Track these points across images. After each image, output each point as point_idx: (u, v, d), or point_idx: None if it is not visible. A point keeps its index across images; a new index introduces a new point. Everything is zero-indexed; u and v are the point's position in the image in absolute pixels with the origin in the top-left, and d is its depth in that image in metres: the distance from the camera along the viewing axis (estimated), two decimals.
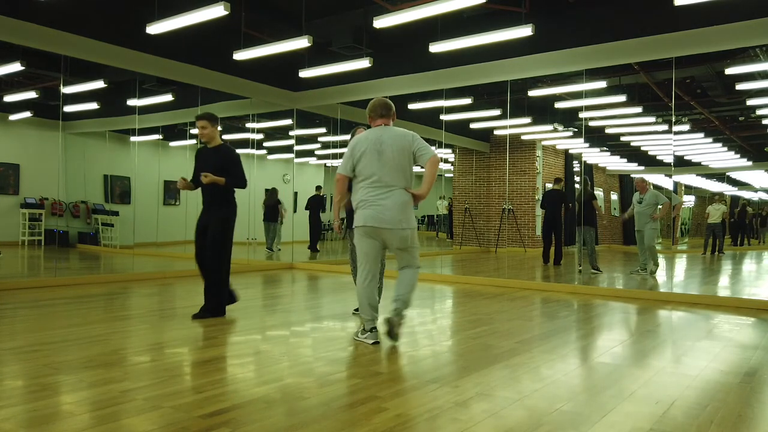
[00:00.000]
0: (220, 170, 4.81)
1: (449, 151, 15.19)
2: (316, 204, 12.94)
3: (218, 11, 5.80)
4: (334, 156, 14.45)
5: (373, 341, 3.96)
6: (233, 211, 4.95)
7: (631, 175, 17.44)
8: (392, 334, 3.87)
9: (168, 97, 9.74)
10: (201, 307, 4.89)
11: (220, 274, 4.89)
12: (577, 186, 10.42)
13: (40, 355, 3.51)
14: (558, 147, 15.25)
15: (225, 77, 8.74)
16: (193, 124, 5.37)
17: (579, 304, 6.18)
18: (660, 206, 8.80)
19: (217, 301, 4.89)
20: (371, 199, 3.84)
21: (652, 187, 9.23)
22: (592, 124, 11.78)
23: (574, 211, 10.03)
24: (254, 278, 8.23)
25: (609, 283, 8.44)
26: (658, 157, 15.64)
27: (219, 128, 5.00)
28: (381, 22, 6.07)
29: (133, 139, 11.41)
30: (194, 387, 2.92)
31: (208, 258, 4.83)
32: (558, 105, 10.41)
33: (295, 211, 12.10)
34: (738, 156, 14.67)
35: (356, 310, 5.26)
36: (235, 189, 4.98)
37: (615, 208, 17.33)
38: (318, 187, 13.51)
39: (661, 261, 8.99)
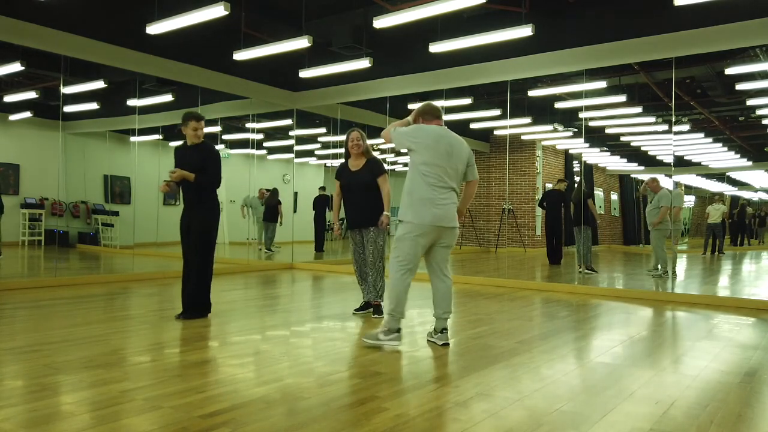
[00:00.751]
0: (200, 168, 4.79)
1: None
2: (321, 204, 12.95)
3: (218, 11, 5.80)
4: (334, 156, 14.45)
5: (399, 344, 3.87)
6: (216, 211, 4.94)
7: (631, 176, 17.46)
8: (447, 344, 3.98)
9: (168, 97, 9.74)
10: (185, 307, 4.88)
11: (207, 274, 4.88)
12: (576, 186, 10.43)
13: (40, 355, 3.51)
14: (558, 147, 15.26)
15: (225, 77, 8.74)
16: None
17: (579, 304, 6.18)
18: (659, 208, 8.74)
19: (204, 301, 4.89)
20: (437, 199, 3.79)
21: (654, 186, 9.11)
22: (592, 124, 11.78)
23: (571, 211, 10.02)
24: (254, 278, 8.23)
25: (609, 283, 8.44)
26: (658, 157, 15.64)
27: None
28: (381, 22, 6.07)
29: (133, 139, 11.41)
30: (194, 387, 2.92)
31: (192, 258, 4.82)
32: (558, 105, 10.41)
33: (295, 211, 12.10)
34: (738, 156, 14.66)
35: (356, 310, 5.26)
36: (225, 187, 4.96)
37: (615, 208, 17.34)
38: (322, 188, 13.51)
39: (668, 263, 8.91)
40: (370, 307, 5.22)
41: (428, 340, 4.09)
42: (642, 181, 17.69)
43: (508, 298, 6.52)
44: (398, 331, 3.85)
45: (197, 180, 4.77)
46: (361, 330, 4.57)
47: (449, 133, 3.94)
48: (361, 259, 5.22)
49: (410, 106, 10.37)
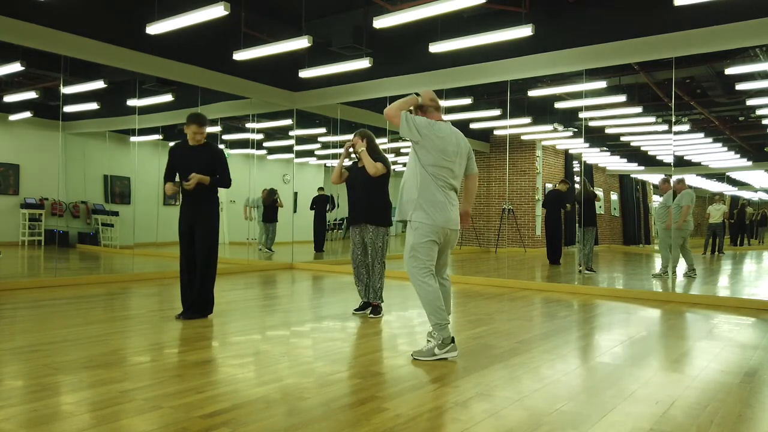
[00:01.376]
0: (209, 170, 4.79)
1: None
2: (321, 204, 12.96)
3: (218, 11, 5.80)
4: (334, 156, 14.44)
5: (456, 353, 3.63)
6: (218, 209, 4.95)
7: (631, 176, 17.45)
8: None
9: (168, 97, 9.74)
10: (185, 307, 4.88)
11: (211, 273, 4.88)
12: (577, 186, 10.42)
13: (40, 355, 3.51)
14: (558, 147, 15.26)
15: (225, 77, 8.74)
16: None
17: (579, 304, 6.18)
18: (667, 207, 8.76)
19: (208, 299, 4.89)
20: (447, 201, 3.67)
21: (664, 187, 9.10)
22: (592, 124, 11.78)
23: (574, 211, 10.02)
24: (254, 278, 8.23)
25: (609, 283, 8.44)
26: (658, 157, 15.64)
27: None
28: (381, 22, 6.07)
29: (133, 139, 11.41)
30: (194, 387, 2.92)
31: (199, 255, 4.82)
32: (558, 105, 10.40)
33: (295, 211, 12.10)
34: (738, 156, 14.67)
35: (356, 310, 5.25)
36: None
37: (615, 208, 17.35)
38: (321, 188, 13.52)
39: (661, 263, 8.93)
40: (369, 306, 5.22)
41: (428, 341, 4.08)
42: (641, 181, 17.78)
43: (508, 298, 6.52)
44: (452, 341, 3.62)
45: (213, 181, 4.77)
46: (360, 330, 4.57)
47: (453, 129, 3.84)
48: (358, 259, 5.22)
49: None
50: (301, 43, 6.65)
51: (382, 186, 5.10)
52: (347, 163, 5.36)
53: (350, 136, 5.22)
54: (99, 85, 8.86)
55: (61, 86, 8.17)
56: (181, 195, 4.94)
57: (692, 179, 16.77)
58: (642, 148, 15.02)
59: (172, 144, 5.05)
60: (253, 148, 11.46)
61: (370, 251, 5.12)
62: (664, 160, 15.50)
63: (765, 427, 2.53)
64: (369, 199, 5.10)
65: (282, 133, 12.82)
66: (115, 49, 7.34)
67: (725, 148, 14.21)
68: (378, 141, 5.22)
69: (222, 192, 5.05)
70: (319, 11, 7.55)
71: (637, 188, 17.90)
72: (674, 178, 9.08)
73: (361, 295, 5.30)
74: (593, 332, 4.73)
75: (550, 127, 12.80)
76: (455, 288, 7.37)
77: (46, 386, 2.88)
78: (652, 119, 11.93)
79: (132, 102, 9.55)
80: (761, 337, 4.49)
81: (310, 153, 15.26)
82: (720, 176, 16.57)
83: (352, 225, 5.26)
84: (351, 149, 5.11)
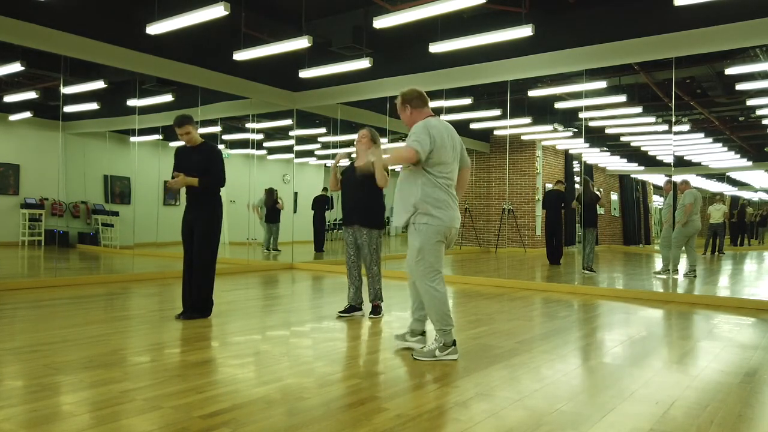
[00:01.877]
0: (203, 169, 4.78)
1: None
2: (321, 204, 12.96)
3: (218, 11, 5.80)
4: (334, 156, 14.46)
5: (457, 355, 3.61)
6: (219, 209, 4.93)
7: (631, 176, 17.45)
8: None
9: (168, 97, 9.74)
10: (185, 307, 4.87)
11: (209, 274, 4.88)
12: (577, 186, 10.42)
13: (40, 355, 3.51)
14: (558, 147, 15.26)
15: (225, 77, 8.74)
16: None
17: (579, 304, 6.18)
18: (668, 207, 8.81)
19: (207, 301, 4.89)
20: (450, 200, 3.63)
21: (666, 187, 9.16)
22: (592, 124, 11.78)
23: (574, 212, 10.02)
24: (254, 278, 8.23)
25: (609, 283, 8.44)
26: (658, 157, 15.64)
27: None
28: (381, 22, 6.08)
29: (133, 139, 11.42)
30: (194, 387, 2.92)
31: (196, 256, 4.81)
32: (558, 105, 10.40)
33: (295, 211, 12.09)
34: (738, 156, 14.67)
35: (341, 312, 5.14)
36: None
37: (615, 208, 17.35)
38: (325, 189, 13.53)
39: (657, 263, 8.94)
40: (355, 311, 5.16)
41: (404, 341, 3.92)
42: (641, 181, 17.78)
43: (508, 298, 6.52)
44: (454, 344, 3.60)
45: (202, 182, 4.76)
46: (360, 330, 4.57)
47: (443, 123, 3.75)
48: (351, 259, 5.17)
49: None
50: (301, 43, 6.65)
51: (377, 188, 5.04)
52: (345, 162, 5.34)
53: (351, 137, 5.21)
54: (99, 85, 8.86)
55: (61, 86, 8.17)
56: (184, 195, 4.95)
57: (692, 179, 16.76)
58: (642, 148, 15.02)
59: (172, 144, 5.06)
60: (253, 148, 11.46)
61: (366, 252, 5.07)
62: (664, 161, 15.50)
63: (765, 427, 2.53)
64: (363, 200, 5.03)
65: (282, 133, 12.82)
66: (115, 49, 7.34)
67: (725, 148, 14.21)
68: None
69: (222, 192, 5.04)
70: (319, 11, 7.55)
71: (637, 188, 17.89)
72: (678, 179, 9.10)
73: (349, 298, 5.23)
74: (593, 332, 4.73)
75: (550, 127, 12.80)
76: (455, 288, 7.37)
77: (46, 386, 2.88)
78: (652, 119, 11.93)
79: (132, 102, 9.55)
80: (761, 337, 4.49)
81: (310, 153, 15.27)
82: (720, 176, 16.57)
83: (345, 226, 5.20)
84: (352, 146, 5.05)
